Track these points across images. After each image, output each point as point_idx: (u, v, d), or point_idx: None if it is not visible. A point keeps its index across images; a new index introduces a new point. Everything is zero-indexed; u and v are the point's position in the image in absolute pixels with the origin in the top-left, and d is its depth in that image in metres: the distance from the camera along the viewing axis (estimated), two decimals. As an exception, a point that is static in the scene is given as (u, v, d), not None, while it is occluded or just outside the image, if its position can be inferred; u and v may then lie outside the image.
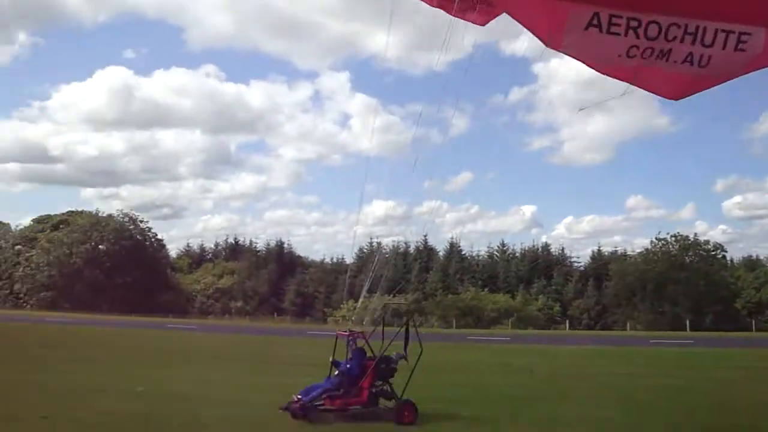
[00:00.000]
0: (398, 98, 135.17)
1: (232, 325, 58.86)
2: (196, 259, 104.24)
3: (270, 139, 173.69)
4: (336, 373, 12.59)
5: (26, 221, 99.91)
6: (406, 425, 11.74)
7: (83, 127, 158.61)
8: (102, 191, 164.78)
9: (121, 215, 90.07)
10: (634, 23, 6.20)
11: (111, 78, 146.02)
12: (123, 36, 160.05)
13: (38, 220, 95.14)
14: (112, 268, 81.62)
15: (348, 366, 12.38)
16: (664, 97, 7.56)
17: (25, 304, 79.76)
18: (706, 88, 7.18)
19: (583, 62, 7.10)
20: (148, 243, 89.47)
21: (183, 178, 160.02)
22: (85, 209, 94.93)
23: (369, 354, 12.60)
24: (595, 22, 6.21)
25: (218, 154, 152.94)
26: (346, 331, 12.81)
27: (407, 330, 12.87)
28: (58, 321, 50.87)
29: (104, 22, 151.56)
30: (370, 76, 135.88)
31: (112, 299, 79.32)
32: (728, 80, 6.99)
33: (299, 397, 11.92)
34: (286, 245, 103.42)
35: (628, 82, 7.17)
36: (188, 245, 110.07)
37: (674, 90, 7.30)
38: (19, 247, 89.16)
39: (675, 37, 6.26)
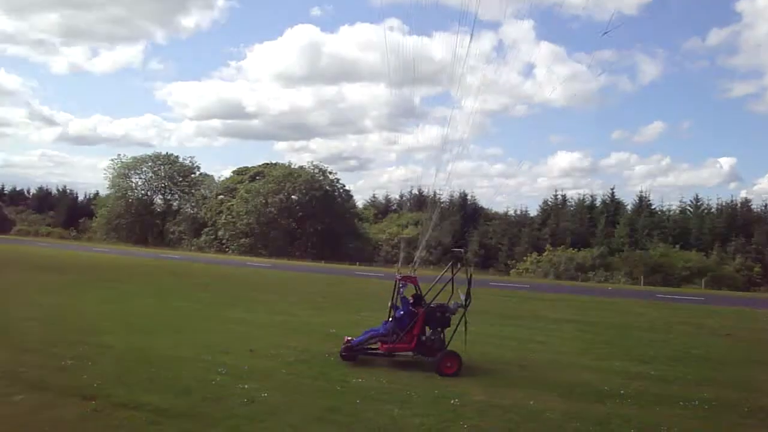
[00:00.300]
0: (585, 45, 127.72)
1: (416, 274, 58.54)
2: (381, 209, 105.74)
3: (453, 90, 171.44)
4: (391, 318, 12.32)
5: (227, 173, 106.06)
6: (449, 376, 11.23)
7: (275, 84, 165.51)
8: (293, 144, 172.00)
9: (311, 167, 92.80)
10: None
11: (300, 36, 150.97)
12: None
13: (237, 172, 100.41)
14: (303, 217, 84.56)
15: (401, 312, 12.14)
16: None
17: (227, 249, 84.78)
18: None
19: None
20: (336, 193, 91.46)
21: (369, 131, 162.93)
22: (278, 161, 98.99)
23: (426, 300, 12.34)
24: None
25: (402, 106, 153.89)
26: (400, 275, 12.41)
27: (469, 279, 12.46)
28: (256, 265, 53.20)
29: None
30: (555, 23, 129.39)
31: (304, 246, 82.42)
32: None
33: (349, 339, 12.15)
34: (469, 196, 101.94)
35: None
36: (374, 196, 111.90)
37: None
38: (221, 196, 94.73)
39: None
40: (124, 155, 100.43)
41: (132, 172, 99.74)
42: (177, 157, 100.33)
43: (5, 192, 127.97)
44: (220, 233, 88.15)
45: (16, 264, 35.38)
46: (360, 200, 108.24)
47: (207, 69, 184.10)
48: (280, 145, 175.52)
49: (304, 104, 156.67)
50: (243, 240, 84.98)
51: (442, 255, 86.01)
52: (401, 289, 12.41)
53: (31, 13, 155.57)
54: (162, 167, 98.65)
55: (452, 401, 9.48)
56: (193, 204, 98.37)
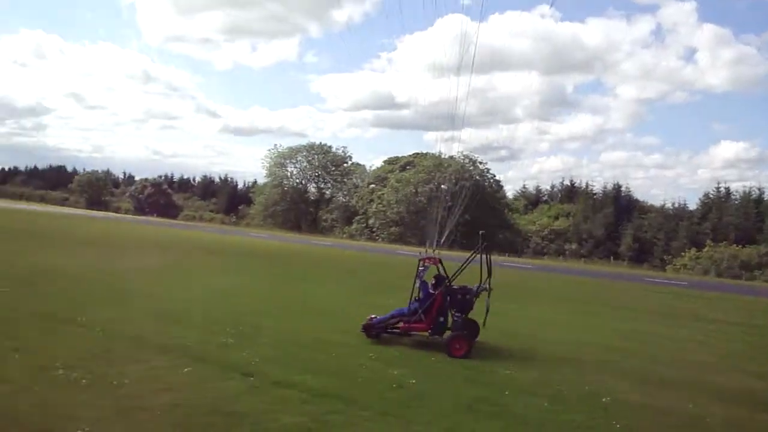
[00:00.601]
0: (753, 26, 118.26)
1: (566, 267, 57.02)
2: (531, 200, 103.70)
3: (607, 78, 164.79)
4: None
5: (378, 162, 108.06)
6: (458, 358, 11.12)
7: (425, 74, 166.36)
8: (443, 134, 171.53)
9: (461, 157, 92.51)
10: None
11: (450, 25, 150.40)
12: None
13: (388, 162, 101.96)
14: (453, 206, 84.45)
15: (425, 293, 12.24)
16: None
17: (377, 237, 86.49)
18: None
19: None
20: (486, 183, 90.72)
21: (519, 120, 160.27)
22: (429, 151, 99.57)
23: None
24: None
25: (554, 95, 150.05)
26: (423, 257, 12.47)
27: (489, 260, 12.33)
28: (405, 254, 53.79)
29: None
30: (720, 4, 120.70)
31: (453, 236, 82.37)
32: None
33: (373, 316, 12.44)
34: (623, 188, 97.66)
35: None
36: (524, 187, 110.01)
37: None
38: (372, 185, 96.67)
39: None
40: (281, 145, 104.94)
41: (288, 161, 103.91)
42: (330, 147, 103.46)
43: (174, 180, 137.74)
44: (370, 221, 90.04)
45: (184, 247, 37.93)
46: (510, 191, 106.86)
47: (359, 61, 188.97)
48: (431, 135, 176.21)
49: (454, 94, 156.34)
50: (393, 228, 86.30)
51: (593, 248, 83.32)
52: (422, 271, 12.32)
53: (198, 14, 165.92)
54: (316, 157, 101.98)
55: (604, 399, 9.11)
56: (345, 193, 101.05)
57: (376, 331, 12.23)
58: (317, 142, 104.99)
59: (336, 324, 13.79)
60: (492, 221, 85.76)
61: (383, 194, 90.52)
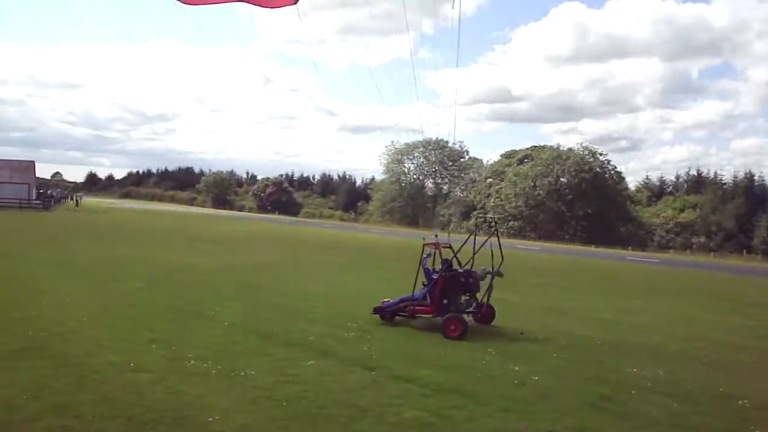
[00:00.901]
0: None
1: (693, 261, 54.29)
2: (655, 191, 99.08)
3: (737, 60, 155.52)
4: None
5: (495, 156, 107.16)
6: (452, 339, 11.42)
7: (541, 65, 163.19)
8: (561, 126, 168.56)
9: (580, 148, 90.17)
10: None
11: (565, 14, 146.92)
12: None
13: (505, 155, 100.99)
14: (572, 199, 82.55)
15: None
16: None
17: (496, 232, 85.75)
18: None
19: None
20: (607, 175, 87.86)
21: (640, 109, 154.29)
22: (546, 144, 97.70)
23: (456, 266, 12.88)
24: None
25: (677, 81, 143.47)
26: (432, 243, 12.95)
27: (500, 246, 13.03)
28: (524, 248, 53.06)
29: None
30: None
31: (573, 230, 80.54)
32: None
33: (385, 300, 12.96)
34: (756, 177, 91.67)
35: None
36: (647, 178, 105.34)
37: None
38: (490, 180, 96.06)
39: None
40: (398, 142, 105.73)
41: (405, 157, 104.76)
42: (447, 142, 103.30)
43: (294, 178, 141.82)
44: (488, 216, 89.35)
45: (305, 243, 39.03)
46: (632, 182, 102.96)
47: (473, 54, 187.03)
48: (548, 128, 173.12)
49: (572, 84, 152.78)
50: (512, 223, 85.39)
51: (723, 241, 78.79)
52: (425, 258, 12.80)
53: (313, 16, 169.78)
54: (433, 152, 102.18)
55: (741, 402, 8.57)
56: (462, 187, 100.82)
57: (388, 315, 12.75)
58: (434, 138, 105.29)
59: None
60: (613, 214, 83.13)
61: (501, 188, 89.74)
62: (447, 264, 12.76)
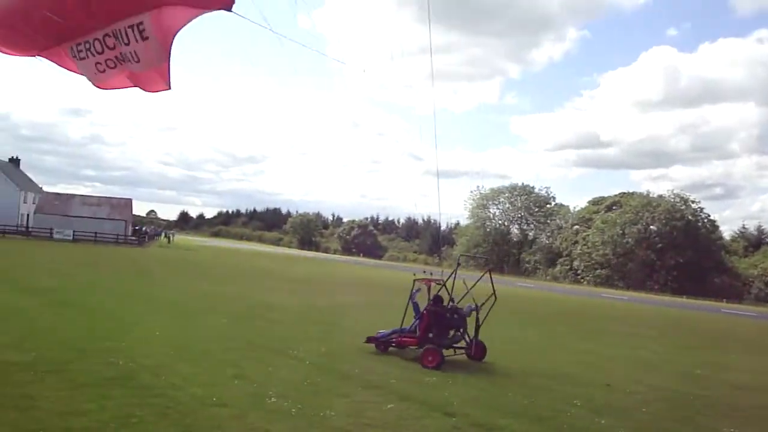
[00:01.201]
0: None
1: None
2: (752, 241, 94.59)
3: None
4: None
5: (582, 203, 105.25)
6: (429, 369, 12.00)
7: (630, 110, 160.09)
8: (651, 173, 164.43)
9: (671, 196, 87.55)
10: (86, 45, 6.40)
11: (655, 58, 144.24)
12: (664, 15, 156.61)
13: (593, 202, 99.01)
14: (663, 248, 79.89)
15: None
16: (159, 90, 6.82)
17: (582, 280, 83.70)
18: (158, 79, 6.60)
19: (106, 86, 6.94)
20: (699, 224, 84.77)
21: (736, 155, 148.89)
22: (635, 191, 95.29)
23: (446, 300, 13.47)
24: (73, 55, 6.60)
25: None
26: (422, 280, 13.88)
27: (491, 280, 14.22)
28: (611, 297, 51.55)
29: (645, 4, 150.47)
30: None
31: (663, 279, 77.80)
32: (167, 60, 6.24)
33: (379, 332, 13.87)
34: None
35: (137, 86, 6.84)
36: (743, 227, 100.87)
37: (156, 84, 6.72)
38: (576, 227, 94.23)
39: (114, 45, 6.24)
40: (483, 187, 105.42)
41: (490, 202, 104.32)
42: (533, 187, 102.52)
43: (379, 221, 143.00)
44: (575, 264, 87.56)
45: (388, 286, 39.16)
46: (727, 231, 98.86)
47: (560, 100, 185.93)
48: (637, 174, 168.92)
49: (662, 130, 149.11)
50: (599, 271, 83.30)
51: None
52: (414, 293, 13.81)
53: (401, 61, 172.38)
54: (518, 198, 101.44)
55: None
56: (548, 234, 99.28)
57: (382, 345, 13.65)
58: (520, 183, 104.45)
59: (540, 368, 13.45)
60: (706, 264, 79.86)
61: (588, 236, 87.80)
62: (436, 300, 13.43)
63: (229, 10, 5.77)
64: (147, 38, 6.07)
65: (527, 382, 11.70)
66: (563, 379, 12.13)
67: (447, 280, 13.57)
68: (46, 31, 6.44)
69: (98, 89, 6.97)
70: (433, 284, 13.71)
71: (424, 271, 14.75)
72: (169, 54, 6.22)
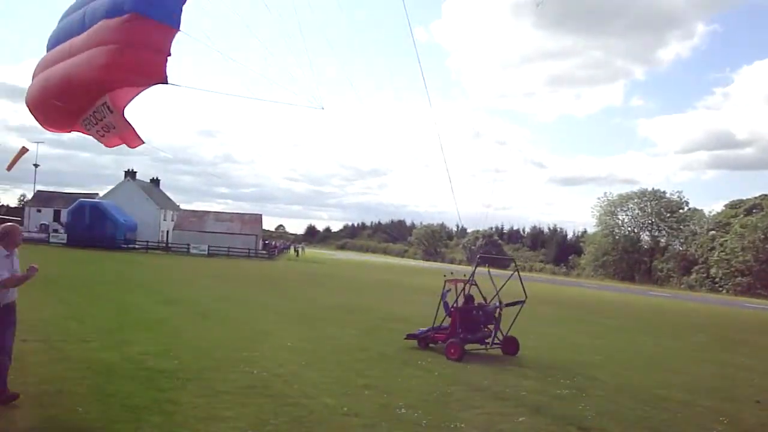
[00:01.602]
0: None
1: None
2: None
3: None
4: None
5: (718, 207, 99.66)
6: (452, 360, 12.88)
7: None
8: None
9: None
10: (87, 120, 8.47)
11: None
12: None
13: (730, 206, 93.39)
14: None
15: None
16: (138, 145, 8.57)
17: (720, 288, 79.17)
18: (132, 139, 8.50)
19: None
20: None
21: None
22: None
23: (479, 298, 14.72)
24: (83, 127, 8.75)
25: None
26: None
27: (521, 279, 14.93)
28: (754, 307, 48.37)
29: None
30: None
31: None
32: (129, 125, 8.30)
33: (419, 330, 14.78)
34: None
35: (125, 143, 8.65)
36: None
37: (134, 141, 8.50)
38: (713, 232, 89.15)
39: (101, 118, 8.30)
40: (610, 193, 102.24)
41: (618, 209, 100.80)
42: (663, 192, 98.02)
43: (504, 231, 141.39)
44: (712, 271, 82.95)
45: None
46: None
47: (690, 99, 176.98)
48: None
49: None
50: (739, 279, 78.38)
51: None
52: (446, 293, 14.36)
53: (520, 69, 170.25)
54: (648, 203, 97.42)
55: None
56: (681, 240, 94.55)
57: (422, 342, 14.42)
58: (649, 188, 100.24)
59: (676, 380, 12.75)
60: None
61: (726, 241, 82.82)
62: (467, 298, 14.45)
63: (165, 83, 7.77)
64: (112, 111, 8.16)
65: (668, 396, 11.09)
66: (709, 394, 11.41)
67: (469, 279, 14.25)
68: (62, 113, 8.65)
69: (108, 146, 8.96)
70: (461, 284, 14.47)
71: (452, 272, 15.43)
72: (127, 121, 8.28)
